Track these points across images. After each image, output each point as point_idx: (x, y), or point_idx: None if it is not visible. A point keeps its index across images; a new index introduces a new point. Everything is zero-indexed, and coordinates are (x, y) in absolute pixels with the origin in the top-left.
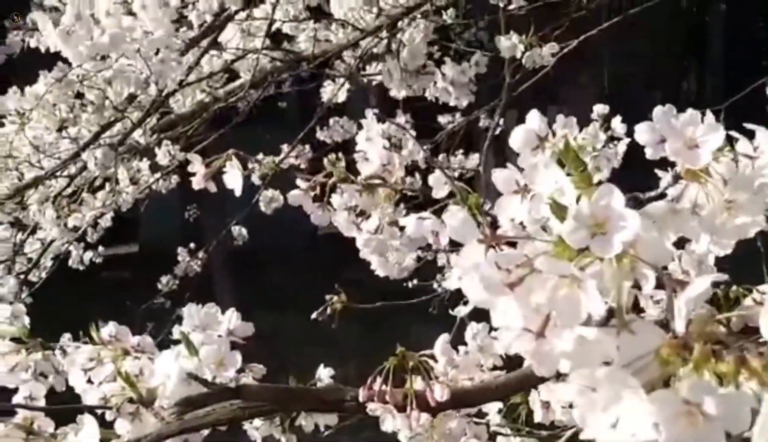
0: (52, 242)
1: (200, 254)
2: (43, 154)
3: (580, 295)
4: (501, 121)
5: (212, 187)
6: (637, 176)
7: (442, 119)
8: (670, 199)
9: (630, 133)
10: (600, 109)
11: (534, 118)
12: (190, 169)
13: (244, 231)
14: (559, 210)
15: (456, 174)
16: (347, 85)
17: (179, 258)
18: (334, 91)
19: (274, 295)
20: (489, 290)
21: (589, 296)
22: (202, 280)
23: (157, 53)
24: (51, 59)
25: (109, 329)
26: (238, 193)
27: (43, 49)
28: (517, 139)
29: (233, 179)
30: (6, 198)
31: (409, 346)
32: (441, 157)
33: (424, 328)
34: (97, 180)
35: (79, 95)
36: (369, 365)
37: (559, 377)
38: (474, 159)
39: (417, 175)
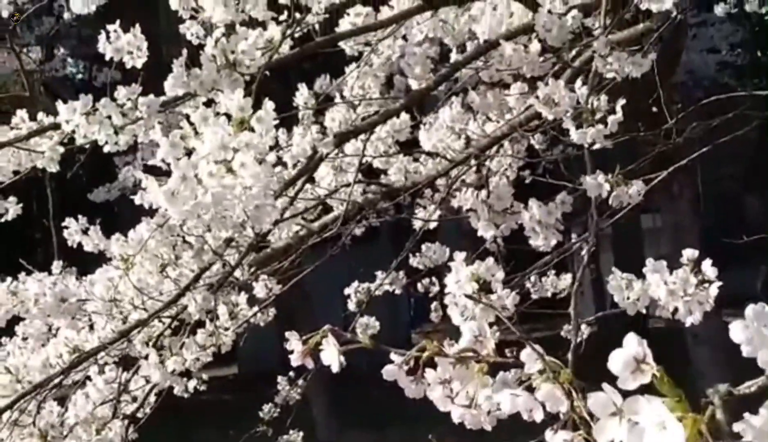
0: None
1: (299, 382)
2: (147, 296)
3: None
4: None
5: (309, 364)
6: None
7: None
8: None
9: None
10: (690, 254)
11: (632, 342)
12: (287, 346)
13: (341, 358)
14: None
15: (549, 294)
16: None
17: (279, 387)
18: (425, 218)
19: (373, 412)
20: None
21: None
22: (300, 401)
23: None
24: None
25: None
26: (335, 369)
27: (146, 206)
28: (615, 362)
29: (330, 356)
30: (111, 342)
31: None
32: (534, 278)
33: None
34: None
35: (179, 235)
36: None
37: None
38: (567, 279)
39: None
